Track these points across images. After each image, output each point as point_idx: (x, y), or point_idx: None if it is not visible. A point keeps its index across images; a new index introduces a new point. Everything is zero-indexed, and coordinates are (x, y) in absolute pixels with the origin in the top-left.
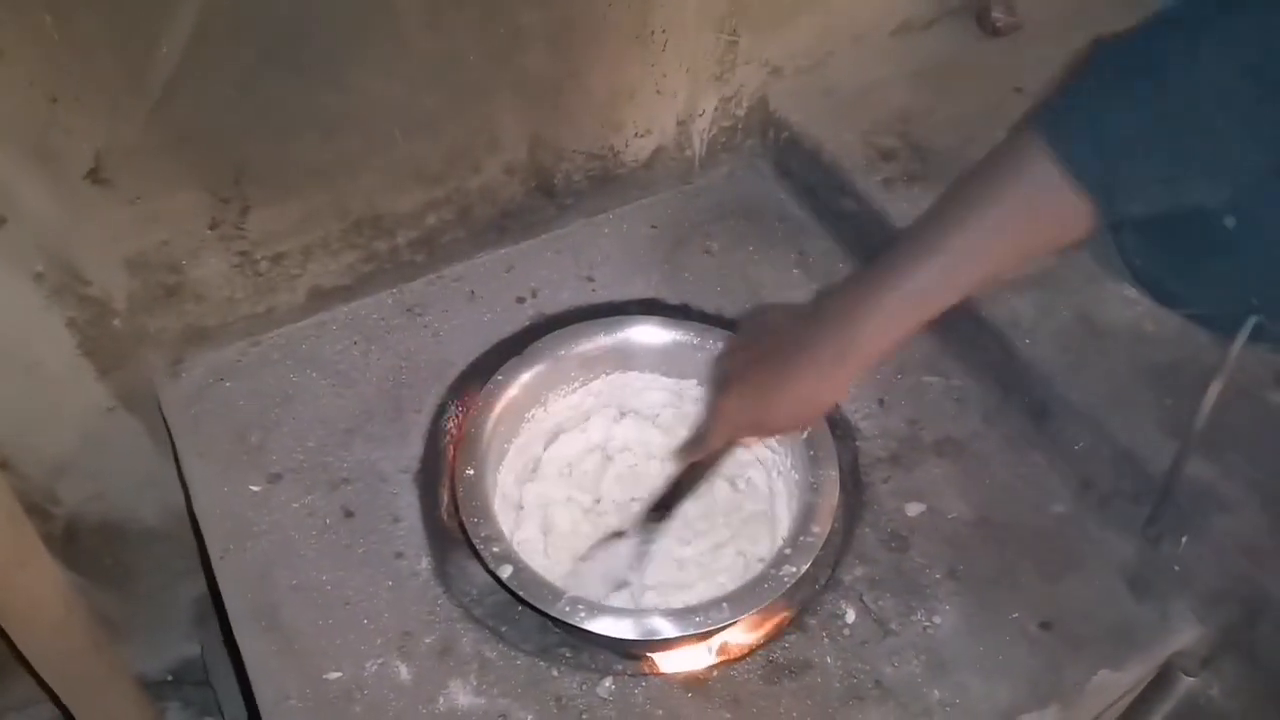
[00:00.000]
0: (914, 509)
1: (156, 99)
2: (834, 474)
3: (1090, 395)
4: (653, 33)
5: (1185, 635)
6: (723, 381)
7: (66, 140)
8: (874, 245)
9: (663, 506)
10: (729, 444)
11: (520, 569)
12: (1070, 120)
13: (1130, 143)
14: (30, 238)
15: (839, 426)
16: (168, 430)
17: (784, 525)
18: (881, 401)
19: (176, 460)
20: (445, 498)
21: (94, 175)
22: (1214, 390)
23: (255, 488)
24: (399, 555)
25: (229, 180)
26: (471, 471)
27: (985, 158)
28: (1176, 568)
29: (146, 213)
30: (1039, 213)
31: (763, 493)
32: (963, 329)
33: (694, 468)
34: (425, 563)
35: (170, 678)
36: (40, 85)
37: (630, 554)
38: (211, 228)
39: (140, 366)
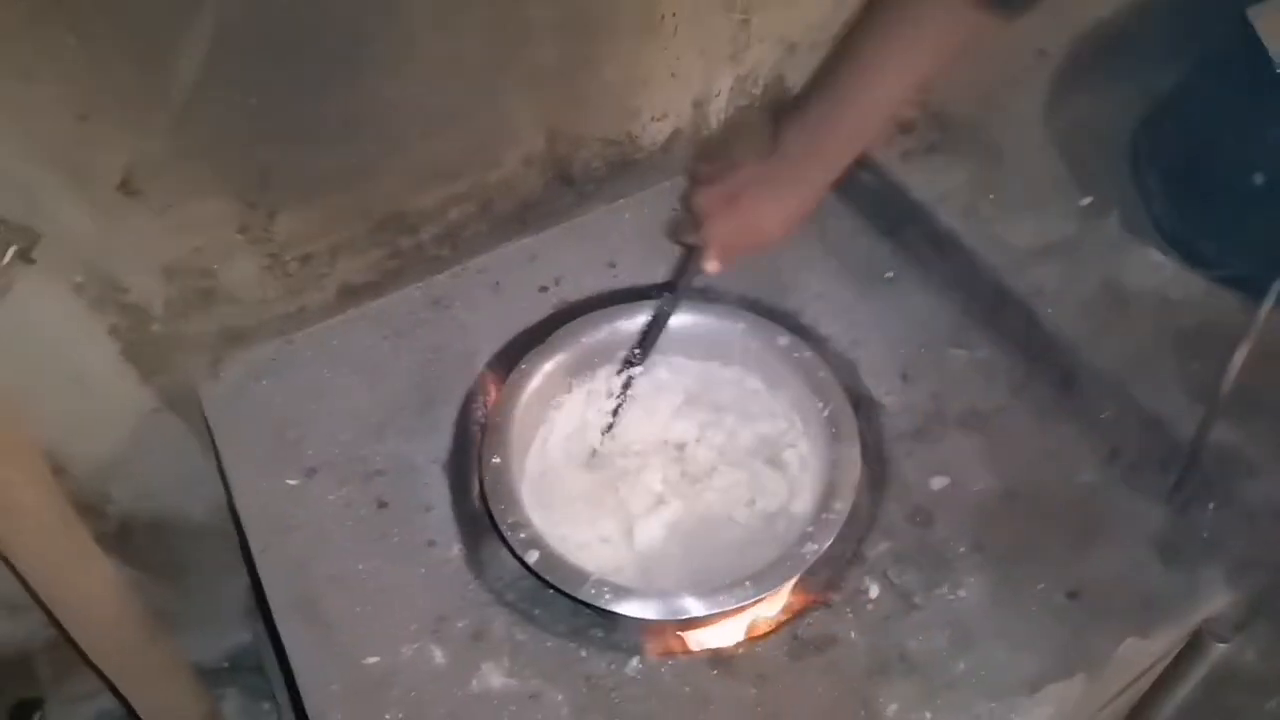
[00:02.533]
0: (938, 483)
1: (179, 111)
2: (856, 450)
3: (1116, 363)
4: (663, 17)
5: (1215, 602)
6: (702, 217)
7: (96, 155)
8: (894, 218)
9: (640, 347)
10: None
11: (546, 553)
12: None
13: None
14: (68, 250)
15: (861, 402)
16: (209, 429)
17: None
18: (905, 376)
19: (218, 457)
20: (475, 486)
21: (125, 187)
22: (1241, 354)
23: (292, 482)
24: (431, 543)
25: (255, 185)
26: (498, 460)
27: None
28: (1205, 534)
29: (177, 221)
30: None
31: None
32: (987, 300)
33: (663, 307)
34: (457, 550)
35: (227, 665)
36: (68, 104)
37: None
38: (241, 232)
39: (181, 369)
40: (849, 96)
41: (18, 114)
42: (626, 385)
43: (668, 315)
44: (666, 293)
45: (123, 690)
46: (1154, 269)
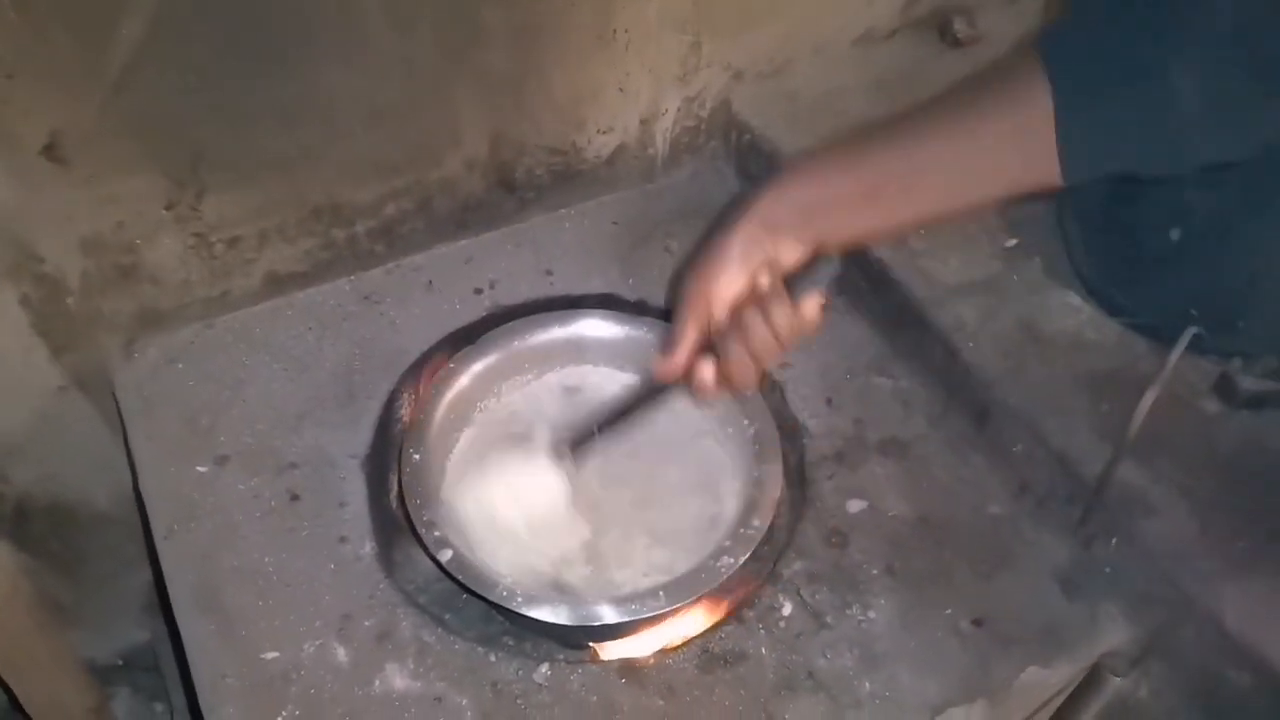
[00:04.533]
0: (855, 506)
1: (115, 81)
2: (778, 469)
3: (1029, 400)
4: (615, 33)
5: (1114, 636)
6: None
7: (21, 117)
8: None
9: (589, 439)
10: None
11: (460, 554)
12: (1073, 44)
13: (1128, 128)
14: None
15: (786, 424)
16: (119, 411)
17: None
18: (830, 401)
19: (126, 441)
20: (393, 485)
21: (49, 153)
22: (1149, 398)
23: (202, 469)
24: (343, 540)
25: (187, 164)
26: (418, 457)
27: (989, 74)
28: (1107, 570)
29: (102, 193)
30: (1019, 141)
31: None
32: (911, 332)
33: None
34: (369, 547)
35: (120, 663)
36: None
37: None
38: (167, 209)
39: (94, 347)
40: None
41: None
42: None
43: (627, 409)
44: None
45: (6, 678)
46: (1071, 312)
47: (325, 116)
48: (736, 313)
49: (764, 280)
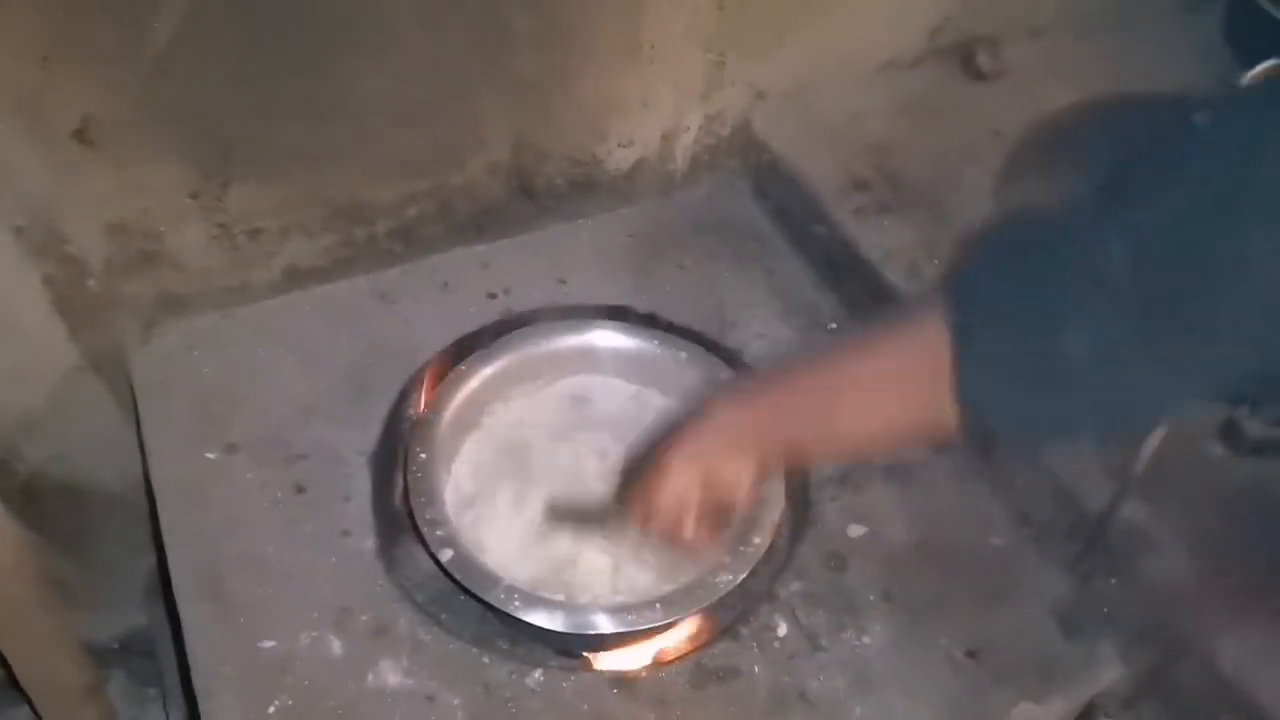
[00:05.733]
0: (856, 530)
1: (148, 70)
2: (780, 488)
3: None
4: (642, 47)
5: (1109, 675)
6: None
7: (55, 100)
8: (841, 271)
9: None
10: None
11: (461, 554)
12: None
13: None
14: (13, 192)
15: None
16: (133, 395)
17: None
18: None
19: (138, 424)
20: (399, 482)
21: (80, 136)
22: (1156, 437)
23: (211, 456)
24: (345, 534)
25: (214, 155)
26: (425, 455)
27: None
28: (1105, 609)
29: (130, 179)
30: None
31: None
32: None
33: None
34: (371, 543)
35: (117, 646)
36: (34, 43)
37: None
38: (193, 197)
39: (112, 329)
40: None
41: None
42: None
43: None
44: None
45: (4, 651)
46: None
47: (352, 115)
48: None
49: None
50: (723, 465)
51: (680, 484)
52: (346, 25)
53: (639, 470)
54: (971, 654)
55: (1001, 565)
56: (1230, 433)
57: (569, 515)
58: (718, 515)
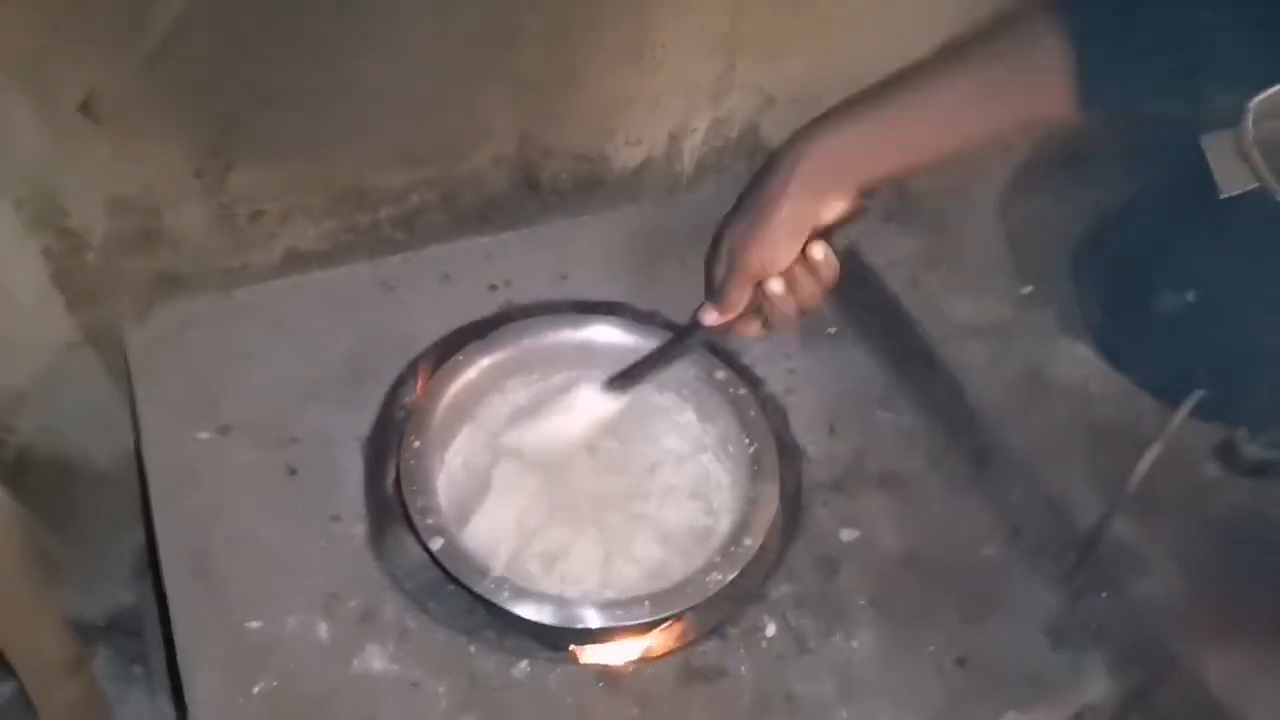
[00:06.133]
0: (848, 535)
1: (155, 46)
2: (774, 490)
3: (1030, 446)
4: (653, 47)
5: (1095, 689)
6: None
7: (61, 71)
8: (845, 278)
9: (630, 375)
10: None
11: (451, 543)
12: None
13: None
14: (15, 162)
15: (787, 447)
16: (128, 372)
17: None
18: (832, 429)
19: (132, 402)
20: (391, 469)
21: (85, 110)
22: (1150, 455)
23: (204, 436)
24: (335, 518)
25: (218, 135)
26: (419, 444)
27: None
28: (1094, 624)
29: (133, 155)
30: (1022, 73)
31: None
32: (918, 368)
33: (674, 344)
34: (361, 528)
35: (104, 624)
36: (41, 11)
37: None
38: (196, 176)
39: (109, 305)
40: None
41: None
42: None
43: (664, 356)
44: (677, 335)
45: None
46: (1079, 364)
47: (358, 100)
48: (786, 272)
49: (816, 251)
50: (826, 208)
51: (790, 251)
52: (355, 9)
53: (747, 239)
54: (960, 662)
55: (992, 576)
56: (1227, 453)
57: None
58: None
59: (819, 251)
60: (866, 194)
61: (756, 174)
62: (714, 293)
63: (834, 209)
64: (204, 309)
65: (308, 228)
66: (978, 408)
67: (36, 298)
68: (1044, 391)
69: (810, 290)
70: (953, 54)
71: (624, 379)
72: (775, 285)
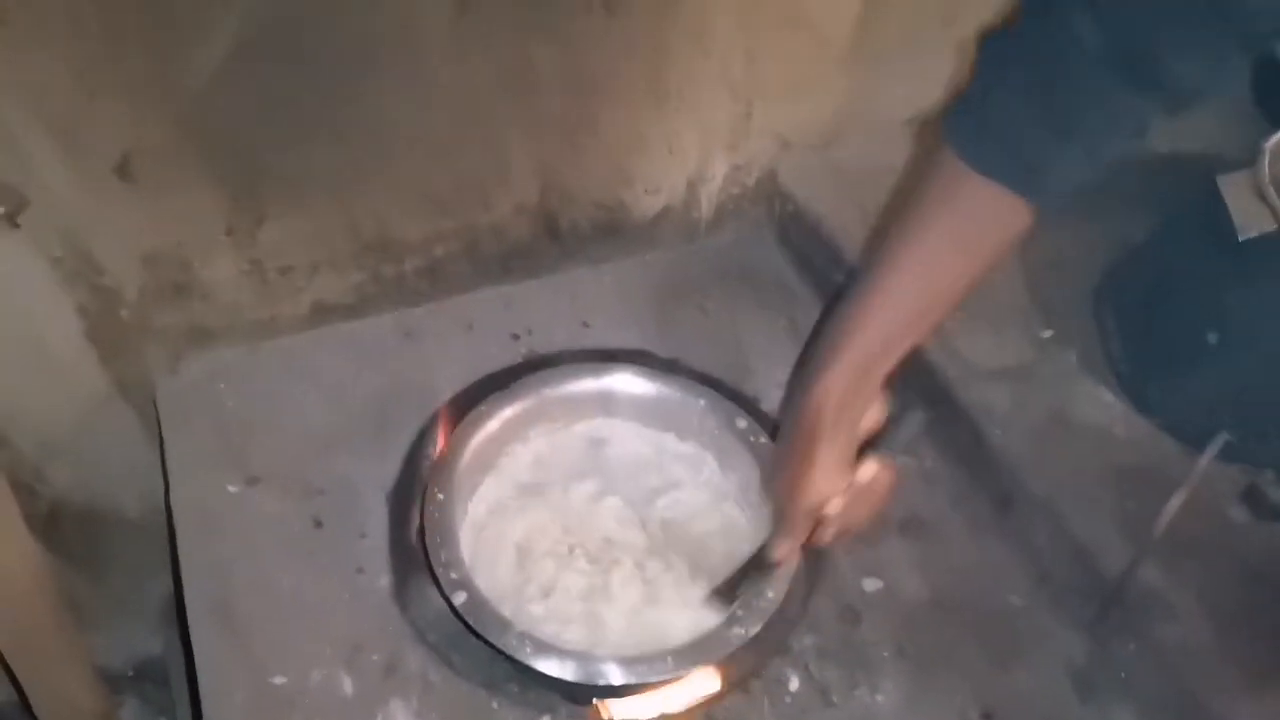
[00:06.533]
0: (871, 584)
1: (188, 104)
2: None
3: (1054, 490)
4: (669, 95)
5: None
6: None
7: (98, 134)
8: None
9: (728, 590)
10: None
11: (474, 597)
12: (970, 122)
13: (1027, 126)
14: (53, 221)
15: None
16: (158, 423)
17: None
18: None
19: (162, 453)
20: (415, 520)
21: (121, 170)
22: (1177, 500)
23: (232, 488)
24: (360, 570)
25: (248, 189)
26: (442, 496)
27: (912, 194)
28: (1122, 674)
29: (166, 211)
30: (975, 220)
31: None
32: (939, 413)
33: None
34: (385, 580)
35: (131, 673)
36: (81, 79)
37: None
38: (227, 233)
39: (141, 359)
40: (875, 305)
41: (31, 80)
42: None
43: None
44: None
45: (19, 675)
46: (1103, 406)
47: (383, 151)
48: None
49: (864, 474)
50: (859, 424)
51: (841, 483)
52: (378, 61)
53: (799, 486)
54: (987, 715)
55: (1017, 624)
56: (1253, 498)
57: (736, 586)
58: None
59: (867, 474)
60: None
61: (786, 418)
62: (779, 527)
63: (868, 423)
64: (233, 361)
65: (334, 280)
66: (999, 451)
67: (71, 352)
68: (1067, 435)
69: (869, 503)
70: (907, 229)
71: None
72: (834, 508)
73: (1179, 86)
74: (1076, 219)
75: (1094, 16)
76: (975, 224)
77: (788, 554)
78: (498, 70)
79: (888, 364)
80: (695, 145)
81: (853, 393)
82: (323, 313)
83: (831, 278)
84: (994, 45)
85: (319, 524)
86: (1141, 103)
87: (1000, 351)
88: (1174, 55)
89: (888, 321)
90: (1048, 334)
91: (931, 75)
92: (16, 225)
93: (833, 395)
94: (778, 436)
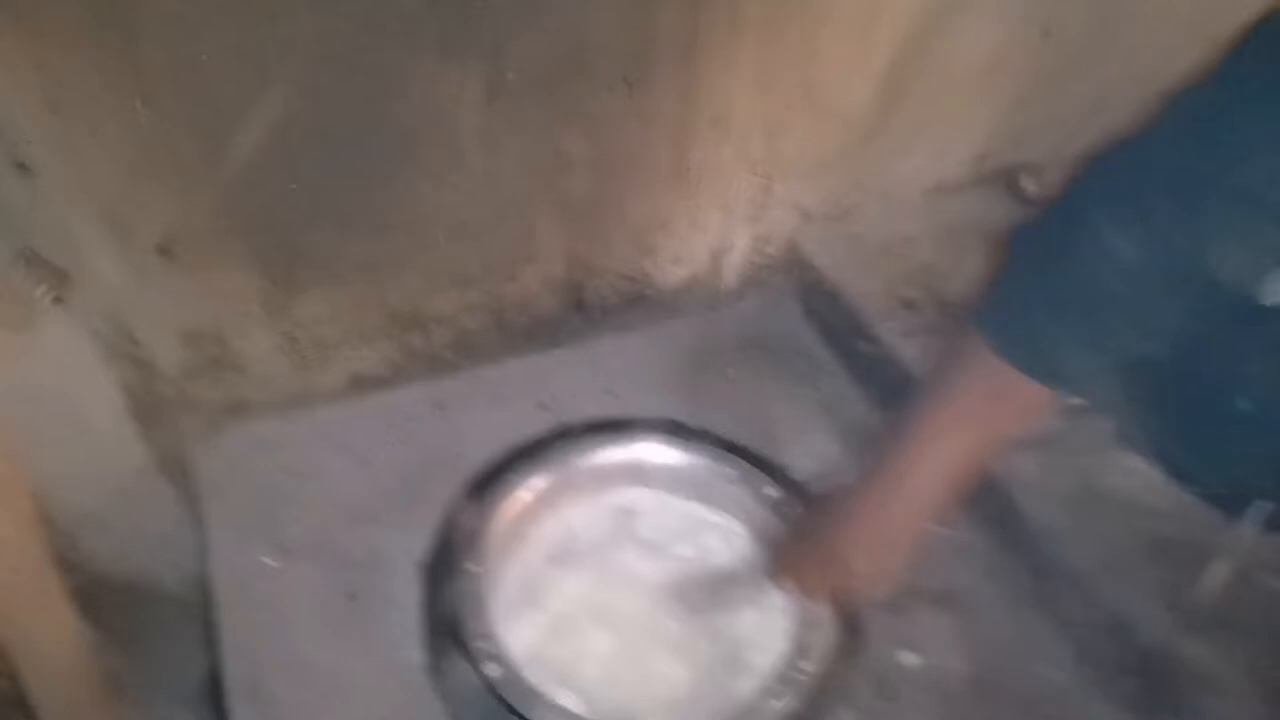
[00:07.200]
0: (908, 658)
1: (228, 185)
2: (829, 611)
3: (1090, 561)
4: (689, 170)
5: None
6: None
7: (141, 215)
8: (888, 389)
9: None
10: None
11: (508, 670)
12: (999, 313)
13: (1052, 322)
14: (96, 300)
15: None
16: (195, 495)
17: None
18: None
19: (199, 525)
20: (447, 593)
21: (163, 250)
22: (1216, 570)
23: (269, 561)
24: (394, 644)
25: (284, 266)
26: (473, 567)
27: (936, 365)
28: None
29: (205, 288)
30: (996, 403)
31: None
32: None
33: None
34: (418, 654)
35: None
36: (125, 163)
37: None
38: (262, 307)
39: (179, 431)
40: (901, 481)
41: (78, 165)
42: None
43: None
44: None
45: None
46: (1134, 475)
47: (414, 228)
48: None
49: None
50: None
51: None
52: (413, 146)
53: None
54: None
55: (1059, 701)
56: None
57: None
58: None
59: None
60: None
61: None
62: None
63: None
64: (269, 432)
65: (366, 352)
66: (1032, 522)
67: (111, 426)
68: (1100, 505)
69: None
70: (916, 418)
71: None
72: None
73: (1227, 284)
74: None
75: (1127, 234)
76: (992, 410)
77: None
78: (526, 153)
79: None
80: (717, 218)
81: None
82: (355, 384)
83: (853, 346)
84: (1023, 243)
85: (353, 596)
86: (1177, 308)
87: None
88: (1217, 259)
89: (914, 516)
90: (1077, 401)
91: (948, 150)
92: (61, 302)
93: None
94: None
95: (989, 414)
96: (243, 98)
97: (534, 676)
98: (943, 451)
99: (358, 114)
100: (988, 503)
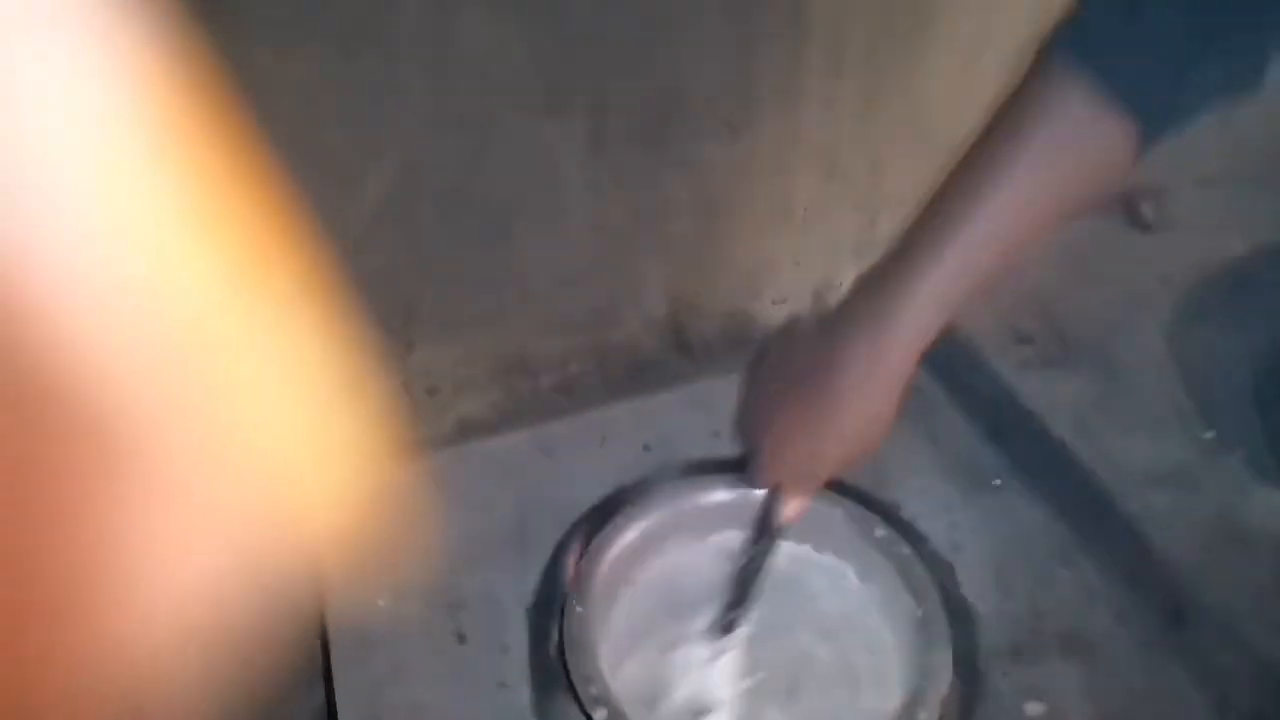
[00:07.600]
0: (1034, 708)
1: (351, 243)
2: (947, 658)
3: (1230, 602)
4: (795, 211)
5: None
6: (758, 434)
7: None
8: (1004, 426)
9: (733, 608)
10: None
11: (615, 712)
12: (1096, 33)
13: (1162, 43)
14: None
15: (958, 609)
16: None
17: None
18: (1005, 588)
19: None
20: (555, 634)
21: None
22: None
23: (382, 603)
24: (502, 685)
25: (400, 319)
26: (581, 609)
27: (1008, 99)
28: None
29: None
30: (1076, 145)
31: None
32: (1096, 521)
33: (752, 561)
34: (526, 696)
35: None
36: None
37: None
38: (379, 360)
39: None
40: (949, 231)
41: None
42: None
43: (758, 569)
44: (755, 541)
45: None
46: (1276, 510)
47: (522, 278)
48: None
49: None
50: None
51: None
52: (521, 200)
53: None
54: None
55: None
56: None
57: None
58: None
59: None
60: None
61: (810, 348)
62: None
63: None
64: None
65: (477, 399)
66: (1166, 561)
67: None
68: (1240, 543)
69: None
70: (995, 153)
71: (735, 609)
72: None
73: None
74: (1231, 315)
75: None
76: (1077, 149)
77: (799, 514)
78: (630, 201)
79: (958, 312)
80: (821, 257)
81: (928, 332)
82: (465, 430)
83: (967, 382)
84: None
85: (462, 638)
86: None
87: (1160, 456)
88: None
89: (970, 267)
90: (1209, 435)
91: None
92: None
93: (904, 352)
94: (776, 362)
95: (1064, 163)
96: (360, 158)
97: (642, 716)
98: (996, 210)
99: (466, 173)
100: (1116, 544)
